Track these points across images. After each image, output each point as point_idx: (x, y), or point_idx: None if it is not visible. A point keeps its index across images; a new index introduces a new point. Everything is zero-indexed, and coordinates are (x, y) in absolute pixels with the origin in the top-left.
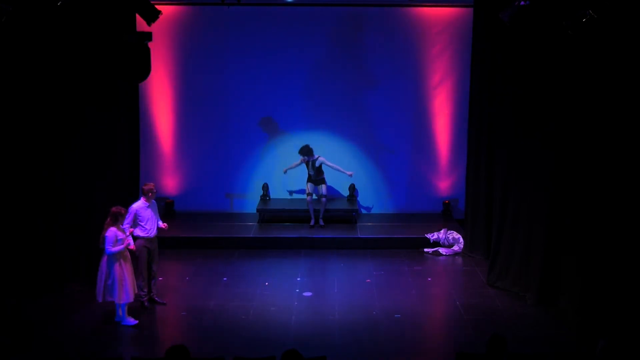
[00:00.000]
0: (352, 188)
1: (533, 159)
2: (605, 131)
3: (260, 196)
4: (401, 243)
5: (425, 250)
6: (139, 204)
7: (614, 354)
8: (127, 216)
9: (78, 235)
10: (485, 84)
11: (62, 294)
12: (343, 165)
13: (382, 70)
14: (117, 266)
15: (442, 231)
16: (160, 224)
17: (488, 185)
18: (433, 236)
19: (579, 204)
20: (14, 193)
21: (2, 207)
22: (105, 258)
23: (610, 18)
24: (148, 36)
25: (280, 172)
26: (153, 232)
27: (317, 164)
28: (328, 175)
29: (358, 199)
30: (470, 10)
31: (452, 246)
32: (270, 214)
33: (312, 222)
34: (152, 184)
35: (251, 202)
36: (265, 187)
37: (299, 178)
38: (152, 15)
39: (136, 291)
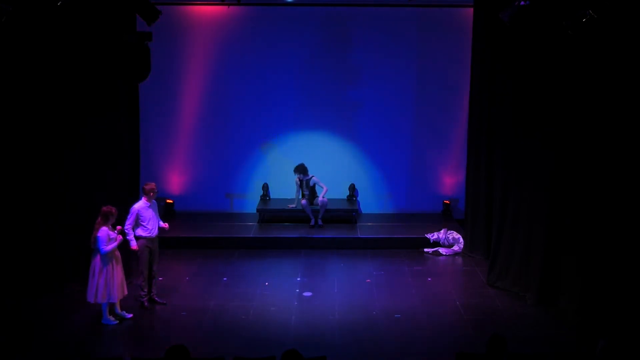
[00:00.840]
0: (352, 188)
1: (533, 159)
2: (605, 131)
3: (260, 196)
4: (401, 243)
5: (425, 250)
6: (140, 204)
7: (614, 354)
8: (128, 217)
9: (78, 235)
10: (485, 84)
11: (62, 294)
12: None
13: (382, 70)
14: (109, 266)
15: (442, 231)
16: (162, 224)
17: (488, 185)
18: (433, 236)
19: (578, 204)
20: (14, 193)
21: (3, 207)
22: (98, 258)
23: (610, 18)
24: (148, 36)
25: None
26: (155, 232)
27: (311, 184)
28: (327, 175)
29: (358, 199)
30: (470, 10)
31: (452, 246)
32: (270, 214)
33: (312, 222)
34: (153, 183)
35: (251, 202)
36: (265, 187)
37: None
38: (152, 16)
39: (125, 292)
